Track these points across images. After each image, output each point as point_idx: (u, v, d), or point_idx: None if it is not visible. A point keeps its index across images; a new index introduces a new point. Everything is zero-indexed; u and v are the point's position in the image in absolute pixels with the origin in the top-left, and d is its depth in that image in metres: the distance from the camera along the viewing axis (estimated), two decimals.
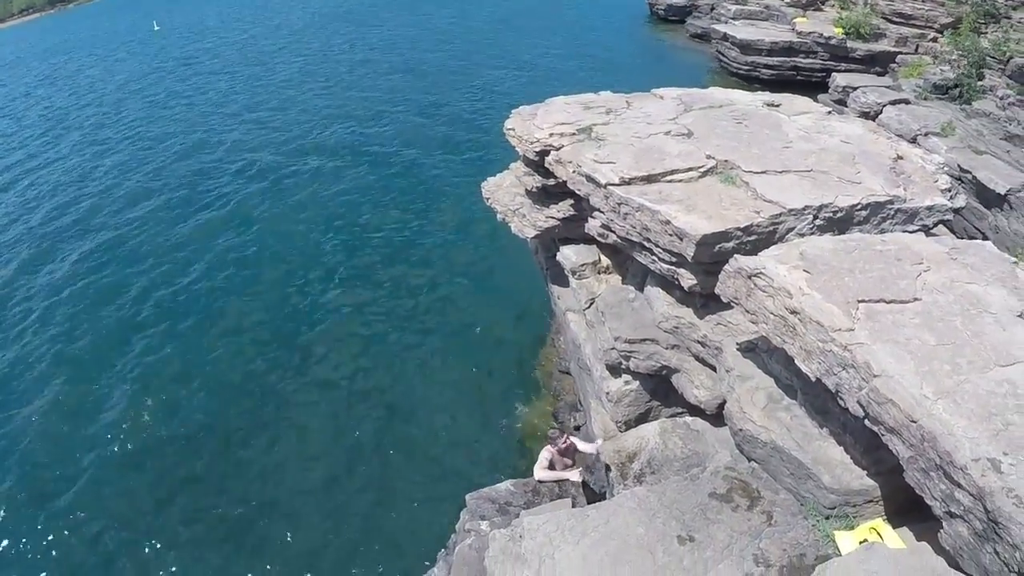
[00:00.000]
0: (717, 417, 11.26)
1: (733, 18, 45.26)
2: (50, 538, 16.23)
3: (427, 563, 13.14)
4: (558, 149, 13.52)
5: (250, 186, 32.83)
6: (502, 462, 17.09)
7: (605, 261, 14.42)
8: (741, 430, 9.72)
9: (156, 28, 61.99)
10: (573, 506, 10.88)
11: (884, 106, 29.64)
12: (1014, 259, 9.75)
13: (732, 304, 9.67)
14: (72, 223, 31.29)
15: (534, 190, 14.51)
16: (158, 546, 15.81)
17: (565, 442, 12.78)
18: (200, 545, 15.78)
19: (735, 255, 9.59)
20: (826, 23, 40.78)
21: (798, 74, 40.62)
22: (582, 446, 13.10)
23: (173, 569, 15.36)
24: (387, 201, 30.82)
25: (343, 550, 15.52)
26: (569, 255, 14.60)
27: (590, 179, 12.31)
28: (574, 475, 12.57)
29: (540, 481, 12.52)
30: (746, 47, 41.20)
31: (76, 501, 17.03)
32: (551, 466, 12.73)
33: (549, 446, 12.75)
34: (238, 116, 41.19)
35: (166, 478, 17.44)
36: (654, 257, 11.50)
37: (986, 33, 32.93)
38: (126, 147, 37.87)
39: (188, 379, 20.69)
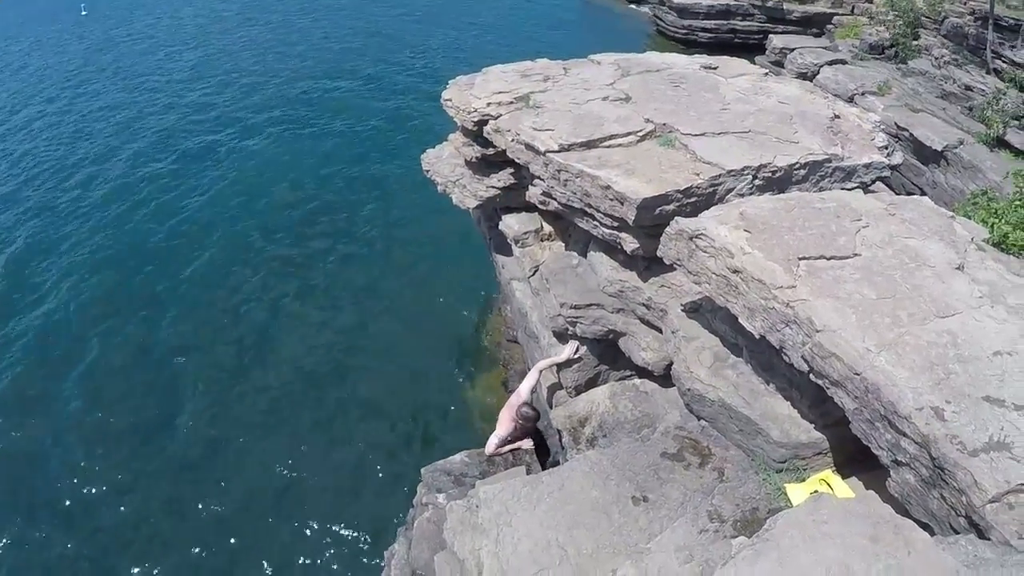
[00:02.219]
0: (665, 378, 11.36)
1: None
2: None
3: (390, 539, 13.16)
4: (496, 118, 13.49)
5: (171, 164, 32.01)
6: (456, 433, 17.13)
7: (548, 228, 14.45)
8: (689, 390, 9.84)
9: (84, 12, 60.16)
10: (528, 473, 10.93)
11: (821, 67, 30.16)
12: (951, 213, 9.97)
13: (675, 266, 9.75)
14: None
15: (474, 160, 14.47)
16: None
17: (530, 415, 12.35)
18: (152, 545, 15.67)
19: (676, 217, 9.67)
20: None
21: (735, 37, 41.19)
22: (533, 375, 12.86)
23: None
24: (326, 174, 30.40)
25: (306, 537, 15.48)
26: (511, 224, 14.60)
27: (529, 147, 12.31)
28: (526, 443, 12.56)
29: (490, 456, 12.44)
30: (683, 11, 41.61)
31: None
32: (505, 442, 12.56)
33: (518, 420, 12.32)
34: (169, 95, 40.37)
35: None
36: (596, 222, 11.56)
37: None
38: (45, 132, 36.84)
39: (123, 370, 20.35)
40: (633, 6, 51.25)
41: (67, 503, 16.41)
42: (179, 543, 15.49)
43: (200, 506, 16.22)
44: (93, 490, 16.62)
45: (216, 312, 21.99)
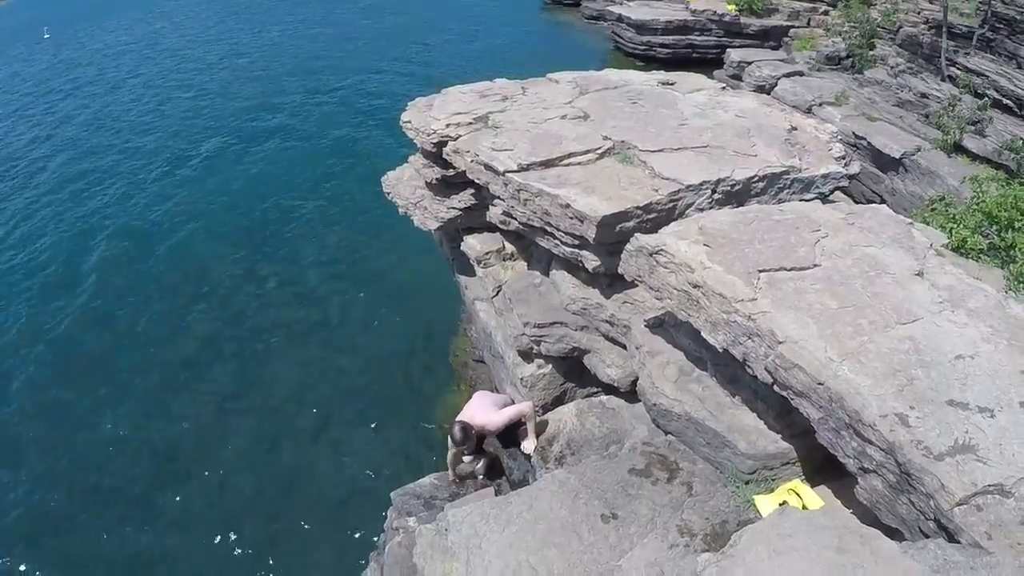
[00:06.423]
0: (631, 394, 11.37)
1: None
2: None
3: (362, 565, 13.02)
4: (455, 139, 13.45)
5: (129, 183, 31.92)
6: (424, 456, 17.01)
7: (509, 248, 14.41)
8: (655, 405, 9.84)
9: (46, 36, 59.65)
10: (497, 495, 10.88)
11: (779, 79, 30.38)
12: (909, 220, 10.09)
13: (636, 282, 9.78)
14: None
15: (434, 182, 14.43)
16: None
17: (470, 442, 11.34)
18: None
19: (636, 234, 9.70)
20: (719, 0, 41.45)
21: (694, 52, 41.42)
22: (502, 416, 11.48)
23: None
24: (285, 196, 30.22)
25: (278, 562, 15.29)
26: (473, 244, 14.57)
27: (488, 167, 12.28)
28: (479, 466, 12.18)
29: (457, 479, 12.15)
30: (641, 27, 41.71)
31: None
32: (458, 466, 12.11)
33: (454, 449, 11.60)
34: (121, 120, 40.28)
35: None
36: (557, 241, 11.54)
37: (875, 4, 34.01)
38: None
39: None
40: (591, 22, 51.54)
41: None
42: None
43: (132, 541, 15.99)
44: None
45: (173, 350, 21.69)
